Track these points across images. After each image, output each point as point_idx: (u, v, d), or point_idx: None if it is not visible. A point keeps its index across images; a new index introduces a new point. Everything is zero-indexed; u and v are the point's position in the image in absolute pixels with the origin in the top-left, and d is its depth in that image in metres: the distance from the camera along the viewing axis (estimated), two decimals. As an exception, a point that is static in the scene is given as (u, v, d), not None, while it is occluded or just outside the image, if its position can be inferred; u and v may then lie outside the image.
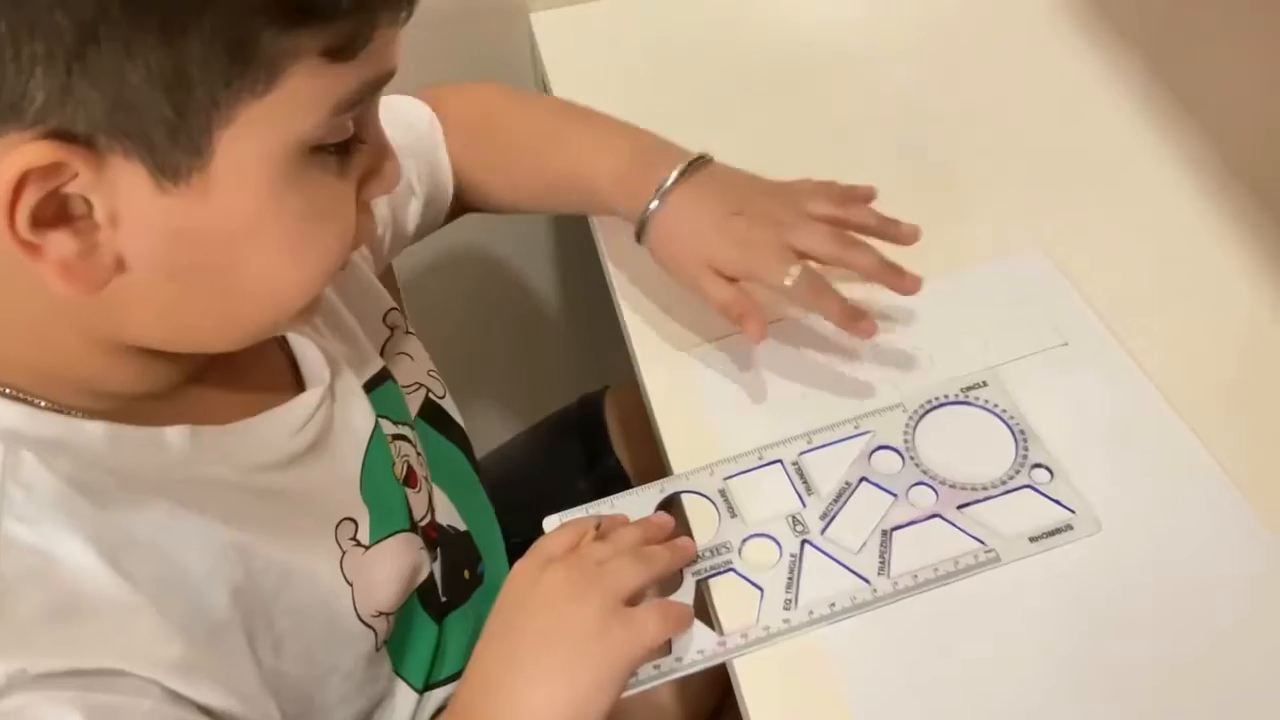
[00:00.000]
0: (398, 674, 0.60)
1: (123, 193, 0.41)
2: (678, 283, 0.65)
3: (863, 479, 0.61)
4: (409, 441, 0.65)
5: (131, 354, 0.48)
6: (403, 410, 0.66)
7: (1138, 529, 0.58)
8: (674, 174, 0.64)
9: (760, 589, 0.58)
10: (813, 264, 0.62)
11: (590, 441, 0.93)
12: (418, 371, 0.70)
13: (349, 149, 0.47)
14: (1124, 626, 0.55)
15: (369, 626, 0.56)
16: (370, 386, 0.63)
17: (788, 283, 0.60)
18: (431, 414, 0.70)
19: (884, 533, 0.59)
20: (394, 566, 0.58)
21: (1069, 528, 0.58)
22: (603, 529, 0.58)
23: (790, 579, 0.58)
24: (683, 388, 0.68)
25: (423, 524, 0.63)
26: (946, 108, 0.84)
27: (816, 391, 0.66)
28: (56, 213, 0.41)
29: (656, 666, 0.55)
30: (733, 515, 0.61)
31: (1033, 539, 0.58)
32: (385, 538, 0.58)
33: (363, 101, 0.45)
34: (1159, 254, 0.73)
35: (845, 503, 0.61)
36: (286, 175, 0.44)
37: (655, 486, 0.62)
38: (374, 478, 0.59)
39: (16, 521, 0.43)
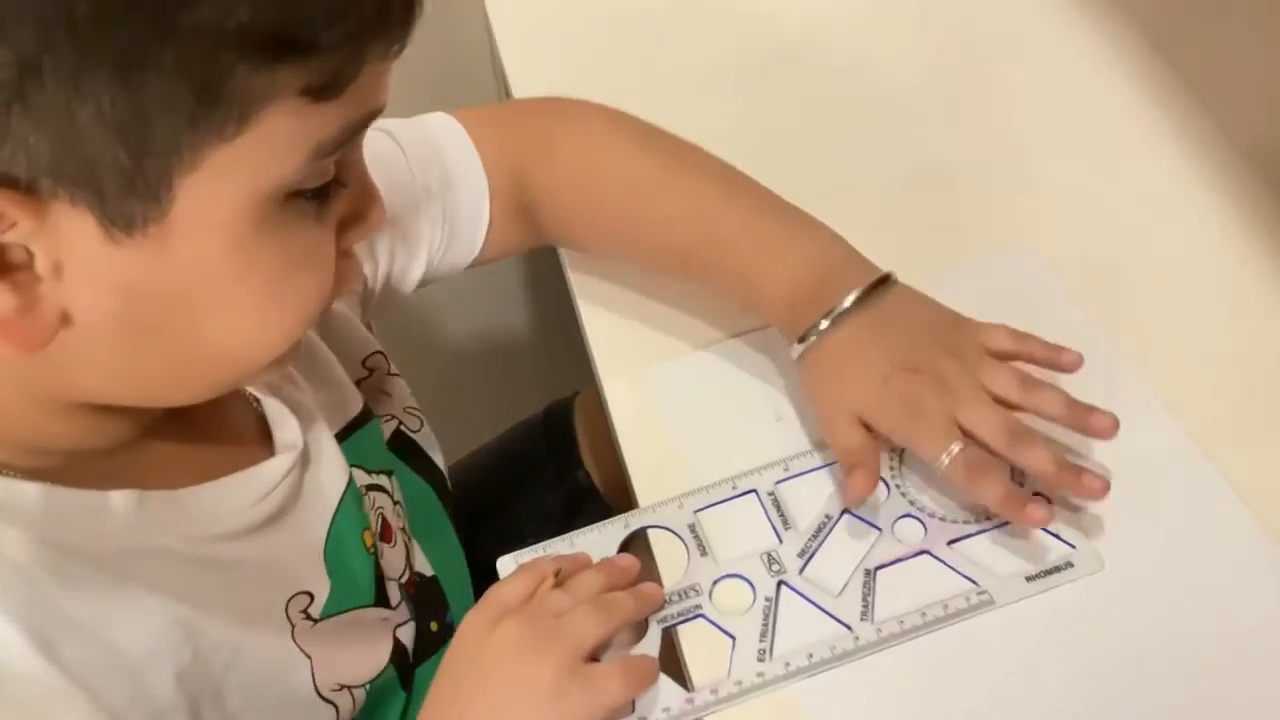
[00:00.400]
0: None
1: (68, 243, 0.36)
2: (816, 416, 0.58)
3: (844, 511, 0.56)
4: (385, 491, 0.61)
5: (77, 409, 0.44)
6: (380, 455, 0.62)
7: (1146, 565, 0.53)
8: (851, 299, 0.55)
9: (732, 637, 0.53)
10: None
11: (558, 454, 0.88)
12: (393, 406, 0.66)
13: (328, 192, 0.42)
14: (1132, 675, 0.50)
15: (328, 701, 0.52)
16: (348, 431, 0.59)
17: (944, 460, 0.53)
18: (402, 446, 0.65)
19: (867, 572, 0.54)
20: (350, 641, 0.54)
21: (1069, 565, 0.54)
22: (562, 574, 0.53)
23: (765, 626, 0.53)
24: (649, 409, 0.63)
25: (402, 580, 0.59)
26: (937, 98, 0.79)
27: (794, 413, 0.61)
28: None
29: (617, 728, 0.50)
30: (703, 553, 0.56)
31: (1029, 578, 0.53)
32: (339, 613, 0.54)
33: (348, 143, 0.40)
34: (1161, 253, 0.68)
35: (825, 538, 0.56)
36: (257, 225, 0.39)
37: (619, 521, 0.57)
38: (339, 546, 0.55)
39: None
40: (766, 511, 0.57)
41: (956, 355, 0.55)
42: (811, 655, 0.52)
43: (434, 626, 0.61)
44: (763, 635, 0.52)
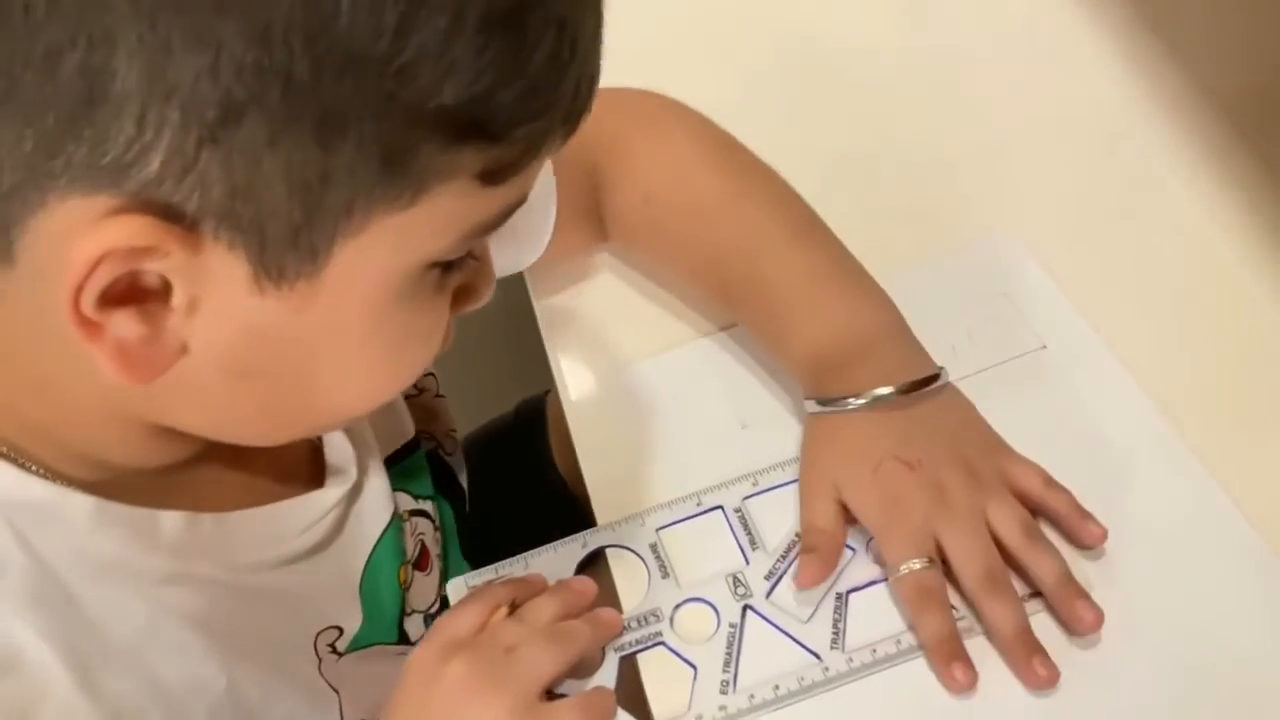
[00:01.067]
0: None
1: (213, 283, 0.36)
2: (800, 479, 0.54)
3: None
4: (429, 517, 0.60)
5: (150, 430, 0.43)
6: (426, 482, 0.61)
7: (1136, 575, 0.50)
8: (893, 390, 0.52)
9: (694, 667, 0.49)
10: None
11: (530, 456, 0.85)
12: (435, 427, 0.66)
13: (453, 265, 0.42)
14: (1124, 691, 0.47)
15: None
16: (399, 456, 0.59)
17: (901, 569, 0.49)
18: (436, 468, 0.64)
19: (839, 596, 0.51)
20: (374, 676, 0.53)
21: (1035, 594, 0.50)
22: (515, 601, 0.50)
23: (729, 655, 0.50)
24: (609, 417, 0.60)
25: (430, 612, 0.59)
26: (907, 68, 0.75)
27: (763, 421, 0.58)
28: (126, 290, 0.35)
29: (572, 768, 0.47)
30: (665, 575, 0.52)
31: (1028, 597, 0.50)
32: (362, 648, 0.53)
33: (497, 226, 0.40)
34: (1148, 242, 0.64)
35: (795, 559, 0.52)
36: (396, 294, 0.39)
37: (578, 540, 0.54)
38: (375, 580, 0.54)
39: None
40: (733, 529, 0.54)
41: (970, 473, 0.51)
42: (778, 687, 0.48)
43: None
44: (726, 665, 0.49)
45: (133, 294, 0.35)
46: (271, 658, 0.48)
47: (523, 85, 0.35)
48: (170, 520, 0.44)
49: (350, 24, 0.31)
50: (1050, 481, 0.51)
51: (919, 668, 0.49)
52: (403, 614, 0.56)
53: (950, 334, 0.59)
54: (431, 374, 0.66)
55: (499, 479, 0.84)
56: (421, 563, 0.58)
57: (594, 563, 0.54)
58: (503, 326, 1.15)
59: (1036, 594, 0.49)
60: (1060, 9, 0.78)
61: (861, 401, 0.52)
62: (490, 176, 0.37)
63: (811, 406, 0.54)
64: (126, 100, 0.31)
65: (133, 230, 0.33)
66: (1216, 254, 0.63)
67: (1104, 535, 0.50)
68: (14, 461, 0.41)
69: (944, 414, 0.53)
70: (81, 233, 0.33)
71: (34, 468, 0.41)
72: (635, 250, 0.64)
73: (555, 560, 0.53)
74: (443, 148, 0.34)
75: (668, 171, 0.61)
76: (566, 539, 0.54)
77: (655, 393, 0.60)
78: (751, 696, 0.48)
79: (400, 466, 0.58)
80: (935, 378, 0.53)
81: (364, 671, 0.53)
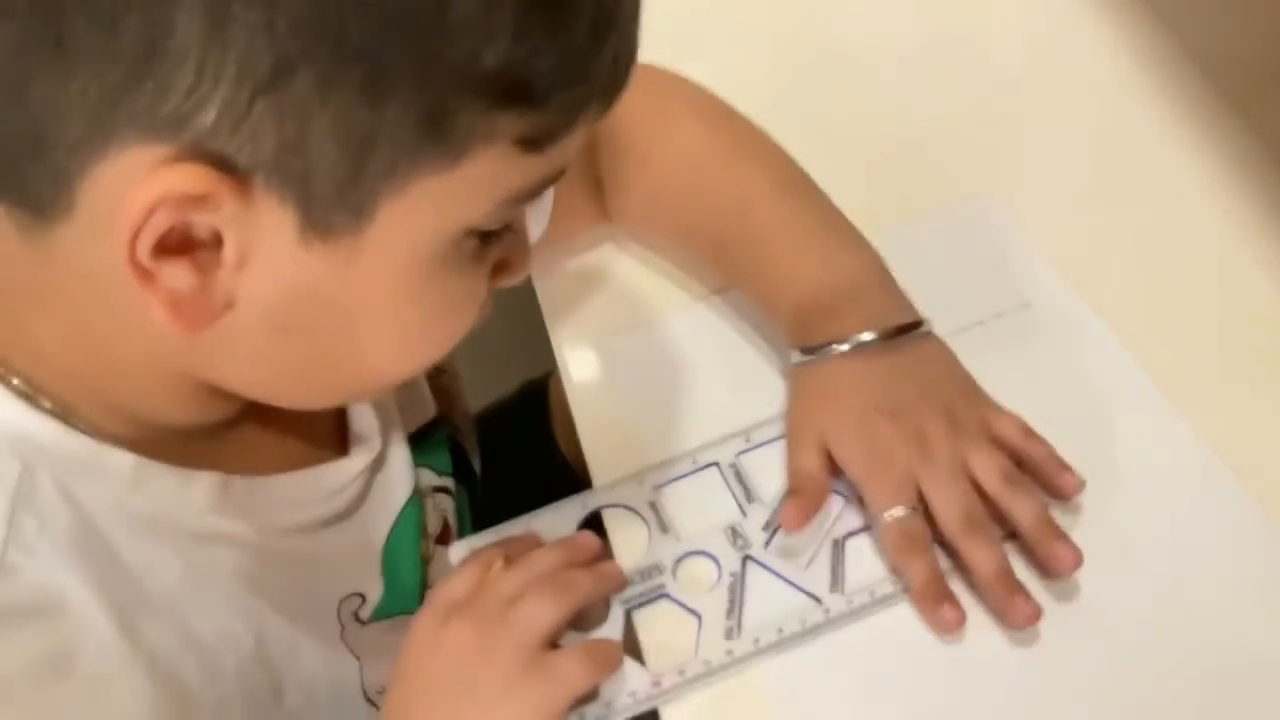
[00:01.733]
0: None
1: (261, 237, 0.37)
2: (786, 427, 0.55)
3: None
4: (449, 494, 0.62)
5: (193, 388, 0.45)
6: (447, 460, 0.63)
7: (1121, 521, 0.51)
8: (875, 335, 0.53)
9: (698, 616, 0.51)
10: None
11: (533, 432, 0.86)
12: (453, 410, 0.66)
13: (491, 236, 0.43)
14: (1112, 635, 0.48)
15: (373, 702, 0.53)
16: (422, 433, 0.60)
17: (885, 518, 0.50)
18: (451, 450, 0.65)
19: (835, 541, 0.52)
20: (395, 646, 0.53)
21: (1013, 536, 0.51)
22: (510, 555, 0.51)
23: (732, 603, 0.51)
24: (604, 381, 0.61)
25: None
26: (900, 41, 0.76)
27: (753, 380, 0.59)
28: (180, 241, 0.37)
29: (581, 717, 0.48)
30: (664, 531, 0.53)
31: (1005, 538, 0.51)
32: (386, 618, 0.55)
33: (535, 195, 0.41)
34: (1131, 197, 0.65)
35: (790, 509, 0.53)
36: (432, 259, 0.40)
37: (577, 501, 0.55)
38: (397, 550, 0.56)
39: (25, 555, 0.40)
40: (729, 484, 0.55)
41: (951, 422, 0.52)
42: (781, 630, 0.49)
43: None
44: (729, 612, 0.50)
45: (185, 246, 0.37)
46: (297, 620, 0.49)
47: (562, 52, 0.36)
48: (204, 481, 0.46)
49: None
50: (1030, 432, 0.52)
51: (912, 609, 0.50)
52: (424, 586, 0.57)
53: (934, 291, 0.58)
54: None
55: (503, 460, 0.85)
56: (444, 538, 0.59)
57: (593, 525, 0.54)
58: (504, 305, 1.16)
59: (1014, 536, 0.50)
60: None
61: (845, 347, 0.53)
62: (530, 144, 0.38)
63: (796, 357, 0.55)
64: (186, 53, 0.32)
65: (188, 177, 0.34)
66: (1203, 225, 0.63)
67: (1081, 486, 0.51)
68: (60, 417, 0.42)
69: (927, 363, 0.54)
70: (139, 180, 0.34)
71: (79, 424, 0.43)
72: (633, 218, 0.65)
73: (556, 521, 0.54)
74: (484, 111, 0.36)
75: (665, 136, 0.61)
76: (566, 499, 0.55)
77: (650, 359, 0.61)
78: (756, 640, 0.49)
79: (423, 445, 0.59)
80: (919, 324, 0.54)
81: (387, 641, 0.53)
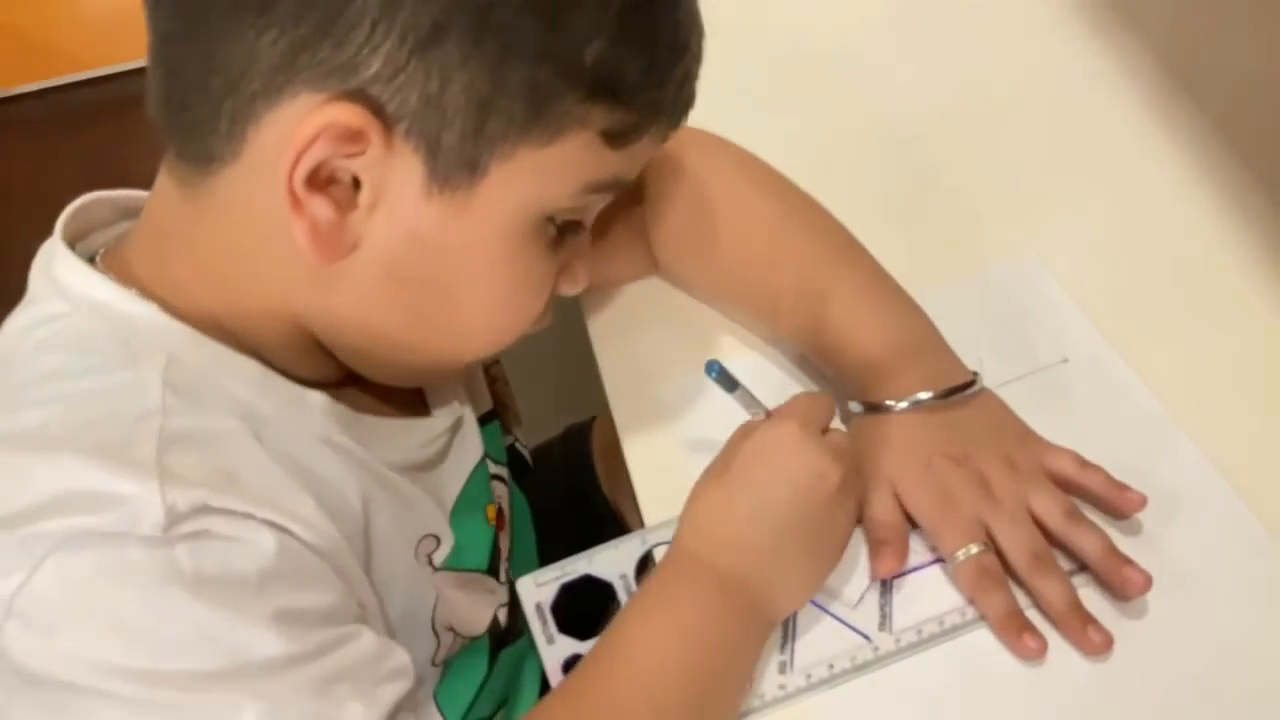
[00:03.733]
0: (435, 700, 0.57)
1: (393, 183, 0.44)
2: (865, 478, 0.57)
3: (858, 522, 0.57)
4: (505, 484, 0.66)
5: (304, 340, 0.51)
6: (502, 452, 0.67)
7: (1151, 559, 0.53)
8: (932, 395, 0.56)
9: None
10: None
11: (576, 477, 0.88)
12: (509, 416, 0.71)
13: (564, 233, 0.51)
14: (1146, 672, 0.51)
15: (437, 635, 0.57)
16: (480, 423, 0.64)
17: (959, 555, 0.53)
18: (511, 459, 0.70)
19: (884, 582, 0.55)
20: (463, 597, 0.58)
21: (1083, 568, 0.54)
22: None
23: (785, 638, 0.53)
24: (657, 425, 0.63)
25: (505, 565, 0.64)
26: (941, 107, 0.80)
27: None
28: (325, 180, 0.44)
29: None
30: (720, 569, 0.56)
31: (1074, 571, 0.53)
32: (455, 569, 0.58)
33: (607, 191, 0.49)
34: (1164, 263, 0.68)
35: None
36: (523, 230, 0.47)
37: (636, 538, 0.58)
38: (467, 510, 0.60)
39: (182, 400, 0.45)
40: (782, 525, 0.57)
41: (1010, 466, 0.55)
42: (832, 666, 0.52)
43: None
44: (783, 648, 0.53)
45: (328, 185, 0.44)
46: (385, 530, 0.52)
47: (647, 60, 0.45)
48: (317, 397, 0.51)
49: None
50: (1084, 463, 0.55)
51: (961, 644, 0.52)
52: (496, 552, 0.61)
53: (977, 348, 0.62)
54: (498, 361, 0.71)
55: (548, 499, 0.88)
56: (500, 523, 0.63)
57: (649, 563, 0.57)
58: (551, 352, 1.19)
59: (1082, 569, 0.53)
60: (1084, 54, 0.82)
61: (904, 405, 0.56)
62: (611, 138, 0.46)
63: (856, 408, 0.58)
64: (365, 12, 0.40)
65: (349, 113, 0.42)
66: (1222, 278, 0.67)
67: (1144, 501, 0.54)
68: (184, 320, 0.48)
69: (981, 413, 0.57)
70: (306, 115, 0.42)
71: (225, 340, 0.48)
72: (682, 268, 0.68)
73: (616, 557, 0.57)
74: (582, 99, 0.44)
75: (715, 191, 0.65)
76: (627, 536, 0.58)
77: (700, 404, 0.64)
78: (808, 675, 0.52)
79: (482, 431, 0.63)
80: (971, 383, 0.57)
81: (453, 593, 0.58)
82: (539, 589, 0.56)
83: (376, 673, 0.46)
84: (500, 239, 0.47)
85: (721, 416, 0.62)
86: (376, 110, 0.42)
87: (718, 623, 0.49)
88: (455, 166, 0.44)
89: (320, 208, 0.44)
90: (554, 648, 0.54)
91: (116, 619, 0.40)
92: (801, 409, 0.54)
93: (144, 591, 0.40)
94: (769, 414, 0.54)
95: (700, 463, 0.54)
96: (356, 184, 0.44)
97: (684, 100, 0.49)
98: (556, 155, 0.45)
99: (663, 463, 0.61)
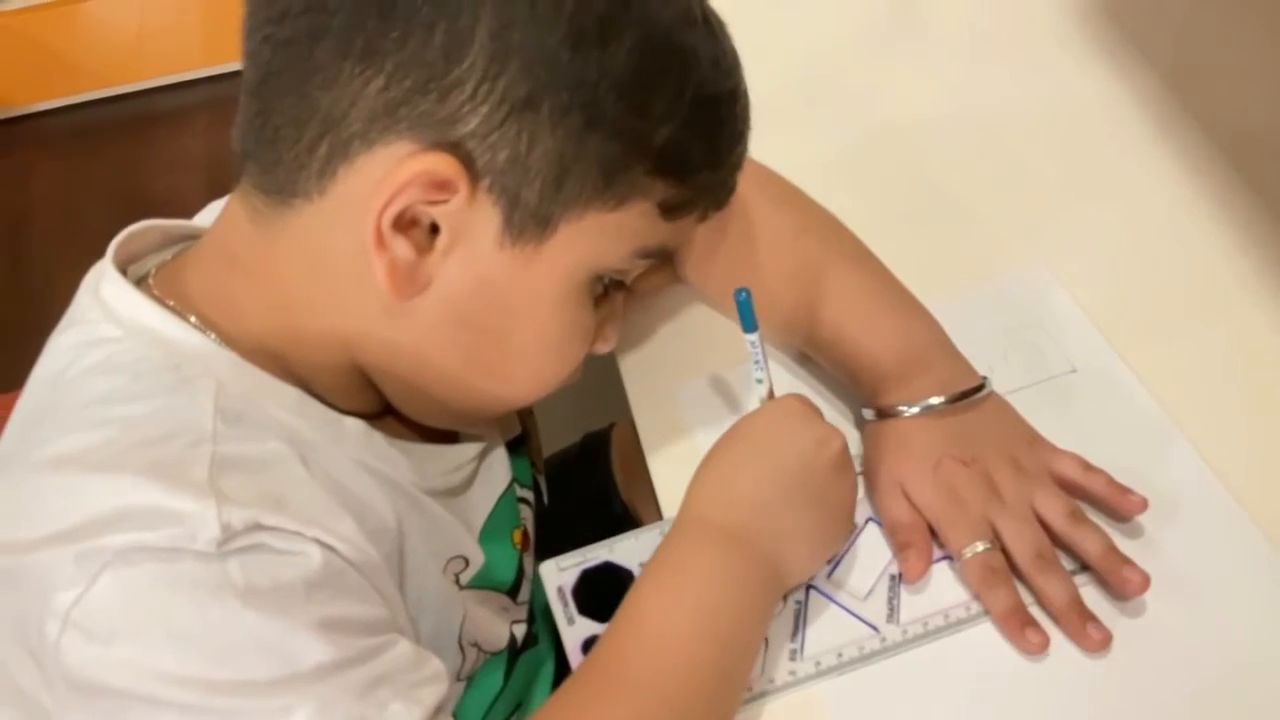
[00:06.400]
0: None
1: (471, 231, 0.47)
2: (867, 482, 0.60)
3: (869, 519, 0.59)
4: (531, 507, 0.68)
5: (352, 375, 0.53)
6: (529, 476, 0.69)
7: (1155, 565, 0.55)
8: (943, 400, 0.58)
9: (765, 639, 0.55)
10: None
11: (595, 484, 0.90)
12: (528, 442, 0.72)
13: (608, 295, 0.55)
14: (1146, 670, 0.53)
15: (463, 651, 0.58)
16: (510, 448, 0.66)
17: (966, 553, 0.55)
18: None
19: (892, 577, 0.57)
20: (485, 615, 0.60)
21: (1085, 568, 0.56)
22: None
23: (796, 627, 0.55)
24: (678, 425, 0.66)
25: (527, 586, 0.66)
26: (951, 124, 0.82)
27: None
28: (408, 223, 0.47)
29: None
30: (735, 560, 0.58)
31: (1076, 571, 0.55)
32: (480, 588, 0.60)
33: (653, 257, 0.52)
34: (1169, 277, 0.70)
35: (852, 544, 0.58)
36: (579, 285, 0.51)
37: (655, 529, 0.60)
38: (494, 533, 0.62)
39: (231, 428, 0.47)
40: (795, 520, 0.59)
41: (1017, 468, 0.58)
42: (841, 655, 0.54)
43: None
44: (793, 636, 0.55)
45: (410, 228, 0.47)
46: (418, 551, 0.54)
47: (709, 145, 0.50)
48: (353, 423, 0.53)
49: (624, 71, 0.45)
50: (1088, 466, 0.57)
51: (965, 638, 0.54)
52: (521, 574, 0.63)
53: (988, 356, 0.64)
54: None
55: (567, 503, 0.90)
56: (525, 545, 0.65)
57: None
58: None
59: (1084, 569, 0.55)
60: (1093, 71, 0.85)
61: (915, 410, 0.58)
62: (667, 210, 0.50)
63: (869, 414, 0.61)
64: (471, 74, 0.44)
65: (444, 164, 0.45)
66: (1224, 290, 0.69)
67: (1144, 504, 0.56)
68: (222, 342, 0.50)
69: (989, 417, 0.60)
70: (403, 161, 0.45)
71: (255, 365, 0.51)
72: (705, 281, 0.71)
73: (637, 547, 0.59)
74: (647, 171, 0.48)
75: (736, 207, 0.67)
76: (646, 527, 0.60)
77: (717, 401, 0.66)
78: (818, 663, 0.54)
79: (510, 457, 0.65)
80: (980, 388, 0.59)
81: (476, 610, 0.59)
82: (561, 573, 0.58)
83: (415, 676, 0.47)
84: (558, 292, 0.50)
85: (734, 413, 0.65)
86: (467, 163, 0.45)
87: (728, 580, 0.51)
88: (529, 222, 0.47)
89: (401, 247, 0.47)
90: (574, 628, 0.56)
91: (172, 628, 0.42)
92: (799, 396, 0.57)
93: (198, 602, 0.42)
94: (772, 394, 0.57)
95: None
96: (434, 229, 0.47)
97: (731, 184, 0.54)
98: (618, 220, 0.49)
99: (684, 467, 0.63)
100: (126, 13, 2.01)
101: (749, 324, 0.56)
